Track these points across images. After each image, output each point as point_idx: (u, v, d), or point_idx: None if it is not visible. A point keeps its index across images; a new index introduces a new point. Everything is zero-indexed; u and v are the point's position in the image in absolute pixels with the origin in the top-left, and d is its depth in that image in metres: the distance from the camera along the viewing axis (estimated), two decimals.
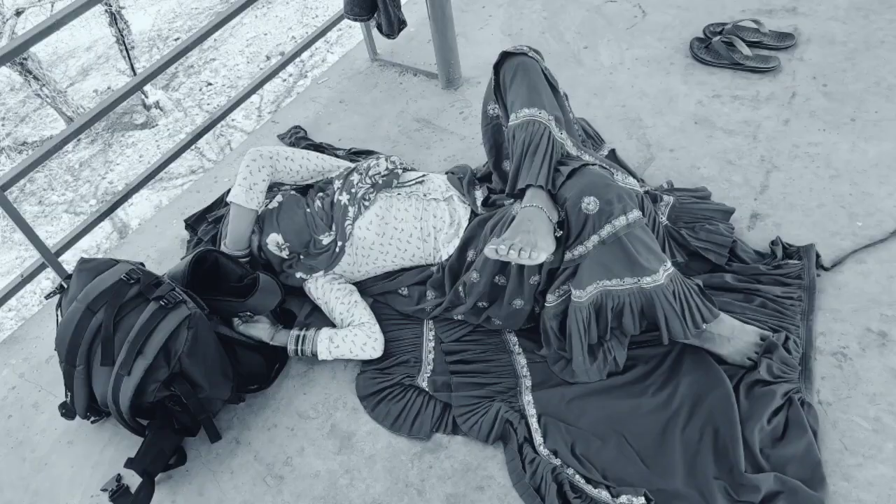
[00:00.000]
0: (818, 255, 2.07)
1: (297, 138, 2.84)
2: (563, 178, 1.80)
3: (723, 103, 2.66)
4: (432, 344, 2.09)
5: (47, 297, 1.97)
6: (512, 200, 2.00)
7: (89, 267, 1.88)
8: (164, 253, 2.57)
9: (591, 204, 1.71)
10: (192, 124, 7.30)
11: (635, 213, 1.74)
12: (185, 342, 1.78)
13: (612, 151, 2.50)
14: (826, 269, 2.06)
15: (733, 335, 1.87)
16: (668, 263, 1.78)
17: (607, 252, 1.74)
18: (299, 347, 2.03)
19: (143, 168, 6.80)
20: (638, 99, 2.77)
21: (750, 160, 2.43)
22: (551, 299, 1.87)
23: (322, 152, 2.61)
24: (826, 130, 2.47)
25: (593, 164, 1.82)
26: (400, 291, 2.18)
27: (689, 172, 2.44)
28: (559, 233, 1.79)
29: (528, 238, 1.71)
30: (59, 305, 1.95)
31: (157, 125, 7.62)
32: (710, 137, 2.54)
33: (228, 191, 2.64)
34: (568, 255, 1.79)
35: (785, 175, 2.35)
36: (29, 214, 6.78)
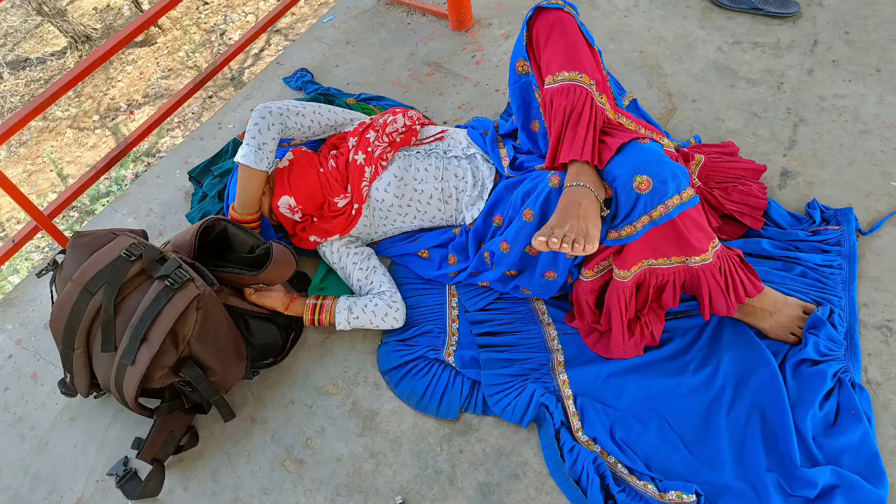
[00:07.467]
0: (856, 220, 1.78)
1: (304, 82, 2.46)
2: (610, 153, 1.47)
3: (743, 50, 2.32)
4: (456, 312, 1.79)
5: (39, 274, 1.61)
6: (542, 164, 1.67)
7: (85, 241, 1.52)
8: (168, 206, 2.21)
9: (643, 183, 1.38)
10: (191, 42, 6.79)
11: (689, 192, 1.41)
12: (194, 325, 1.45)
13: (634, 102, 2.16)
14: (863, 234, 1.78)
15: (776, 308, 1.59)
16: (717, 240, 1.48)
17: (658, 232, 1.43)
18: (316, 317, 1.73)
19: (145, 85, 6.34)
20: (655, 45, 2.41)
21: (776, 112, 2.11)
22: (588, 274, 1.57)
23: (331, 103, 2.25)
24: (851, 81, 2.15)
25: (642, 138, 1.48)
26: (420, 254, 1.87)
27: (714, 125, 2.11)
28: (605, 212, 1.46)
29: (579, 225, 1.38)
30: (52, 281, 1.59)
31: (156, 43, 7.09)
32: (732, 87, 2.21)
33: (233, 140, 2.28)
34: (613, 234, 1.47)
35: (813, 129, 2.04)
36: (34, 130, 6.29)
